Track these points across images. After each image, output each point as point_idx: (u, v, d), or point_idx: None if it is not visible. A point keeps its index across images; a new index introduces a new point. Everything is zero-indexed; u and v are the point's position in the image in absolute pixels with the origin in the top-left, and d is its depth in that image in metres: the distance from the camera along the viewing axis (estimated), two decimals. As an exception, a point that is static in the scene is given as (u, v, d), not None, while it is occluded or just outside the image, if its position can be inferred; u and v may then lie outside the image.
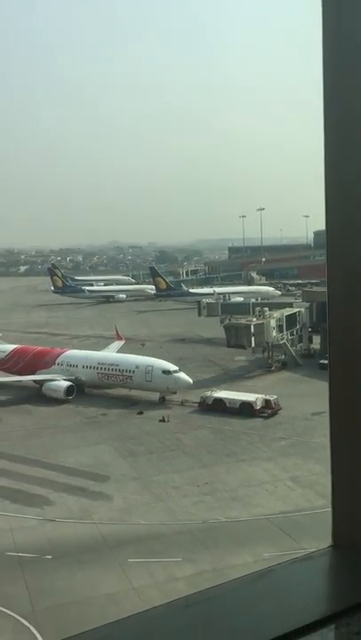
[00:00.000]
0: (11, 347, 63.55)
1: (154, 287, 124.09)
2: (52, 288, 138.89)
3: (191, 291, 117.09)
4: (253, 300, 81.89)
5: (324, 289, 2.80)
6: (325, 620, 2.23)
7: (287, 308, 67.71)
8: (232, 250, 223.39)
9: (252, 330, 60.11)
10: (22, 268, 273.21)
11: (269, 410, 46.88)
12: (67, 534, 29.06)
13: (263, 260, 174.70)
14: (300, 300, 75.98)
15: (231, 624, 2.25)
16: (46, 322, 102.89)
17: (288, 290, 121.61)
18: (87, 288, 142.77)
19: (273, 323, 61.40)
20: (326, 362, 2.86)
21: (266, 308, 65.40)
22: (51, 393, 53.24)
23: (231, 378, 58.68)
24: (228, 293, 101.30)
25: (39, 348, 63.73)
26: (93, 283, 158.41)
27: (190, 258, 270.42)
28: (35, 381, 56.12)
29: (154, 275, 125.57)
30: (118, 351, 62.17)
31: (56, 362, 58.15)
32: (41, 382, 55.02)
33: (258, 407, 46.72)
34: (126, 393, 53.65)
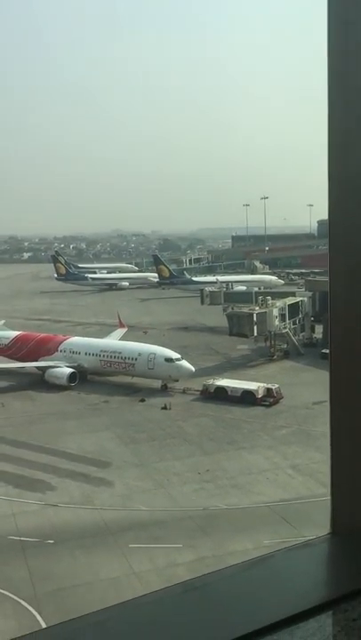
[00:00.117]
0: (14, 333, 63.68)
1: (157, 275, 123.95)
2: (56, 275, 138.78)
3: (194, 279, 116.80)
4: (256, 289, 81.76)
5: (327, 278, 2.80)
6: (323, 606, 2.25)
7: (290, 298, 67.59)
8: (235, 238, 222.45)
9: (255, 319, 60.11)
10: (26, 255, 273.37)
11: (271, 398, 46.99)
12: (69, 519, 29.32)
13: (267, 248, 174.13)
14: (303, 290, 75.79)
15: (229, 609, 2.28)
16: (49, 309, 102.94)
17: (291, 279, 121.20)
18: (90, 276, 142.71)
19: (275, 312, 61.34)
20: (328, 351, 2.87)
21: (268, 297, 65.40)
22: (53, 380, 53.43)
23: (233, 366, 58.79)
24: (231, 282, 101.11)
25: (42, 334, 63.88)
26: (97, 270, 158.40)
27: (193, 246, 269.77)
28: (37, 368, 56.29)
29: (157, 263, 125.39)
30: (121, 339, 62.23)
31: (59, 349, 58.29)
32: (44, 369, 55.19)
33: (260, 396, 46.84)
34: (129, 380, 53.80)
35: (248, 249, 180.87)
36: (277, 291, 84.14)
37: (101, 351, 55.59)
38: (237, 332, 62.67)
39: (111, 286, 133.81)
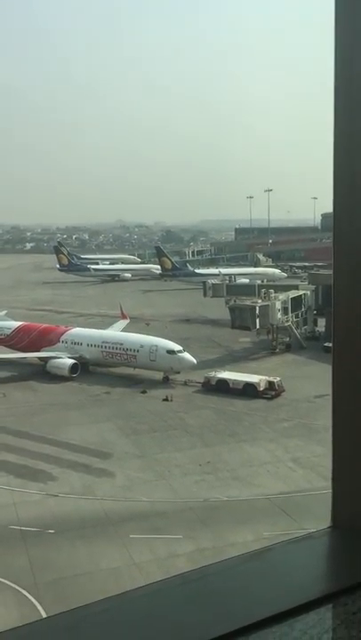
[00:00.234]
0: (16, 324, 63.80)
1: (159, 267, 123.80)
2: (58, 266, 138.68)
3: (197, 271, 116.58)
4: (259, 282, 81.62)
5: (331, 272, 2.78)
6: (323, 599, 2.25)
7: (293, 291, 67.54)
8: (238, 231, 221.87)
9: (257, 311, 60.09)
10: (28, 246, 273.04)
11: (273, 391, 47.04)
12: (70, 509, 29.46)
13: (270, 241, 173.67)
14: (306, 283, 75.68)
15: (229, 601, 2.28)
16: (51, 299, 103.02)
17: (294, 272, 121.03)
18: (93, 266, 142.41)
19: (278, 305, 61.30)
20: (331, 345, 2.86)
21: (271, 290, 65.32)
22: (55, 370, 53.54)
23: (235, 359, 58.81)
24: (234, 274, 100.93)
25: (44, 325, 63.95)
26: (99, 261, 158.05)
27: (196, 238, 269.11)
28: (39, 359, 56.42)
29: (160, 254, 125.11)
30: (123, 330, 62.31)
31: (61, 339, 58.39)
32: (45, 359, 55.32)
33: (261, 388, 46.89)
34: (130, 372, 53.90)
35: (251, 241, 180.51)
36: (280, 284, 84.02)
37: (103, 342, 55.64)
38: (240, 325, 62.67)
39: (113, 277, 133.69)
